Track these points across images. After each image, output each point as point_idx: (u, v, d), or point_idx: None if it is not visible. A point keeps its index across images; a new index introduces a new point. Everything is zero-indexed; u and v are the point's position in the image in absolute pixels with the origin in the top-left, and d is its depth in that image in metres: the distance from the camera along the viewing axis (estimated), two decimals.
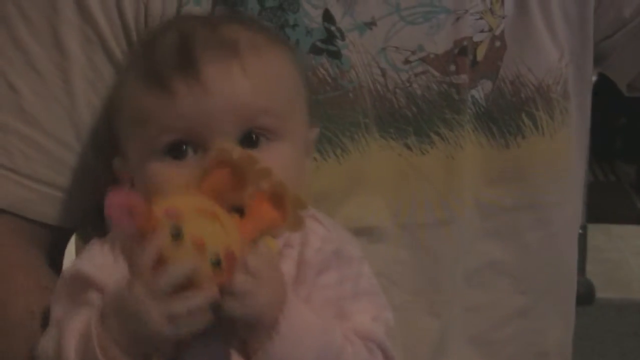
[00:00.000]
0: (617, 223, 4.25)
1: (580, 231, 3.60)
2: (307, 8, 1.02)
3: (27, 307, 0.98)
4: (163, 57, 0.89)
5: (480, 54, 1.09)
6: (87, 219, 1.06)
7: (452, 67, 1.07)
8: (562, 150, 1.14)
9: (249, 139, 0.89)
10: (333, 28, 1.02)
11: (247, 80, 0.89)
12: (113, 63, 1.00)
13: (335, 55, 1.02)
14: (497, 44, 1.09)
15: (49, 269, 1.03)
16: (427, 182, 1.07)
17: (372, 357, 0.90)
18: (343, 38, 1.03)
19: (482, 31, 1.08)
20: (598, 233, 3.98)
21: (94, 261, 0.92)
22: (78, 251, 1.13)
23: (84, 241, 1.11)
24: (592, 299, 3.50)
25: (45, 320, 0.94)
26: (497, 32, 1.09)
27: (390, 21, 1.04)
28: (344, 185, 1.03)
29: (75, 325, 0.86)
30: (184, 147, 0.88)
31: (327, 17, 1.02)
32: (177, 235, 0.77)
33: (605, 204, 4.27)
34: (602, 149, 4.81)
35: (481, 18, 1.08)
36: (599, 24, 1.15)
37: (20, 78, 1.00)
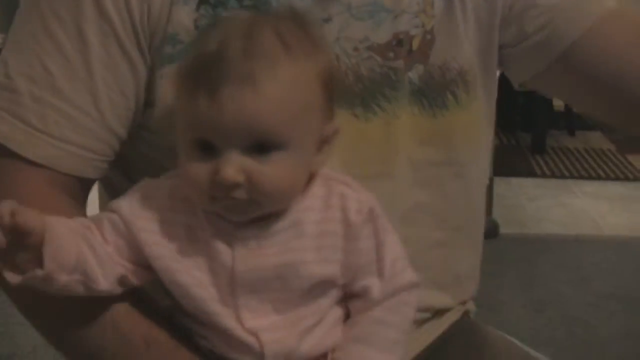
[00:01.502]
0: (516, 176, 4.25)
1: (487, 182, 3.68)
2: (276, 6, 1.00)
3: None
4: (197, 67, 0.86)
5: (415, 44, 1.08)
6: (107, 170, 1.05)
7: (391, 54, 1.06)
8: (475, 120, 1.13)
9: (256, 149, 0.85)
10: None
11: (256, 104, 0.84)
12: (123, 51, 0.99)
13: None
14: (428, 37, 1.08)
15: (77, 210, 1.01)
16: (371, 143, 1.06)
17: (409, 303, 0.94)
18: None
19: (416, 27, 1.07)
20: (502, 184, 3.96)
21: (127, 202, 0.93)
22: (100, 197, 1.14)
23: (105, 185, 1.14)
24: (497, 234, 3.55)
25: None
26: (428, 28, 1.08)
27: (343, 17, 1.03)
28: None
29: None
30: (208, 145, 0.86)
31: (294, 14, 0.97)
32: None
33: (507, 162, 4.27)
34: (506, 120, 4.80)
35: (416, 17, 1.07)
36: (504, 34, 1.14)
37: (52, 62, 0.99)
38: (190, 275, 0.90)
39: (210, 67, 0.85)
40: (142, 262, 0.92)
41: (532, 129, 4.76)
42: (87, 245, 0.88)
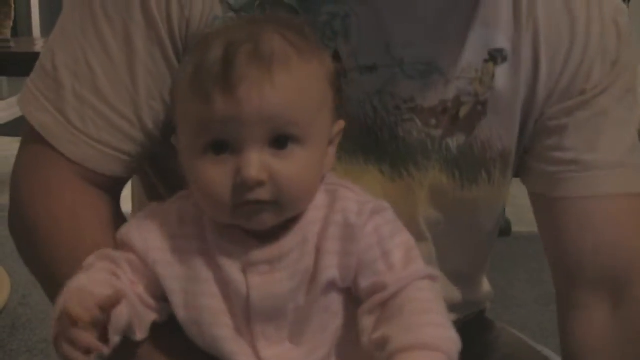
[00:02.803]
0: None
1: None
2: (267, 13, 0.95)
3: (93, 239, 0.95)
4: (208, 69, 0.81)
5: (463, 112, 1.00)
6: (142, 168, 1.06)
7: (434, 121, 0.99)
8: (501, 195, 1.08)
9: (277, 143, 0.81)
10: (339, 67, 0.94)
11: (275, 96, 0.80)
12: (166, 58, 0.96)
13: (338, 91, 0.90)
14: (479, 108, 1.00)
15: (111, 208, 1.01)
16: (390, 200, 0.90)
17: (430, 289, 0.84)
18: (345, 75, 0.96)
19: (469, 94, 0.99)
20: (516, 184, 3.90)
21: (141, 233, 0.89)
22: (133, 191, 1.12)
23: (145, 182, 1.12)
24: (509, 233, 3.55)
25: None
26: (482, 99, 1.00)
27: (391, 71, 0.96)
28: None
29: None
30: (223, 145, 0.82)
31: (336, 57, 0.95)
32: None
33: None
34: None
35: (470, 84, 0.99)
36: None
37: (97, 61, 0.97)
38: (206, 311, 0.86)
39: (221, 69, 0.81)
40: (164, 296, 0.88)
41: None
42: (129, 305, 0.84)
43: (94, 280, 0.84)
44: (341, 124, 0.89)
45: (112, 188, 1.02)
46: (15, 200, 1.02)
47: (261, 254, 0.85)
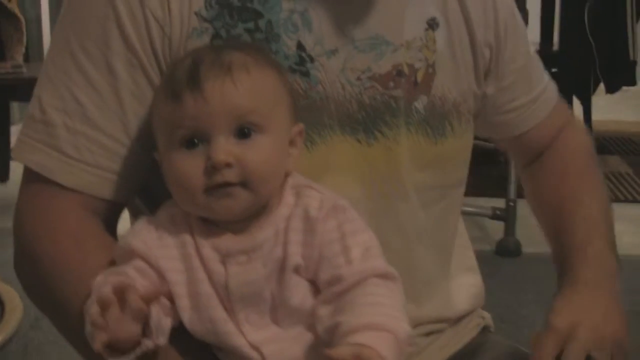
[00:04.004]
0: None
1: (511, 204, 3.62)
2: (285, 39, 1.04)
3: (99, 263, 0.99)
4: (179, 77, 0.93)
5: (419, 76, 1.12)
6: (136, 194, 1.10)
7: (391, 84, 1.09)
8: (464, 148, 1.19)
9: (242, 132, 0.93)
10: (304, 54, 1.05)
11: (237, 91, 0.92)
12: (149, 80, 1.02)
13: (305, 74, 1.05)
14: (430, 70, 1.12)
15: (109, 234, 1.05)
16: (372, 166, 1.09)
17: (386, 286, 0.92)
18: (312, 61, 1.05)
19: (420, 60, 1.12)
20: (525, 206, 3.90)
21: (141, 237, 0.96)
22: (130, 219, 1.15)
23: (133, 212, 1.15)
24: (519, 253, 3.53)
25: None
26: (430, 62, 1.12)
27: (347, 50, 1.07)
28: (313, 168, 1.05)
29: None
30: (195, 141, 0.92)
31: (300, 46, 1.05)
32: None
33: None
34: None
35: (420, 51, 1.11)
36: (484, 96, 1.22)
37: (83, 94, 1.01)
38: (203, 296, 0.94)
39: (189, 74, 0.93)
40: (171, 298, 0.95)
41: None
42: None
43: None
44: (300, 126, 1.00)
45: (110, 215, 1.06)
46: (19, 241, 1.06)
47: (238, 245, 0.94)
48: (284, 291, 0.93)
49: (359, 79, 1.08)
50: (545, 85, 1.30)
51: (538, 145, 1.32)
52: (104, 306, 0.87)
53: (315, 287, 0.94)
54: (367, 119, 1.09)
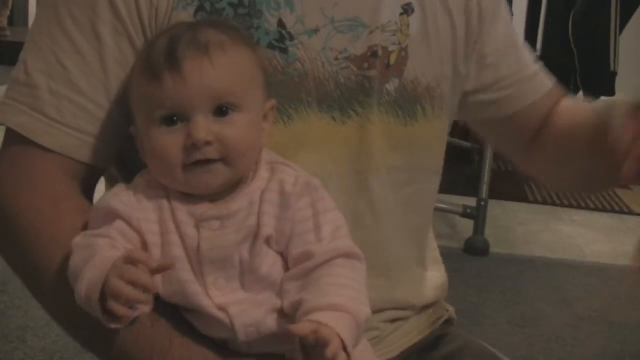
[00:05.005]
0: (509, 200, 4.28)
1: (482, 203, 3.65)
2: (267, 16, 1.06)
3: (73, 224, 1.00)
4: (156, 56, 0.95)
5: (392, 59, 1.14)
6: (113, 161, 1.10)
7: (365, 65, 1.11)
8: (436, 134, 1.20)
9: (220, 111, 0.95)
10: (284, 32, 1.07)
11: (214, 70, 0.94)
12: (134, 48, 1.03)
13: (284, 51, 1.06)
14: (403, 53, 1.14)
15: (85, 198, 1.05)
16: (346, 143, 1.11)
17: (351, 268, 0.95)
18: (292, 39, 1.07)
19: (394, 44, 1.14)
20: (496, 206, 3.98)
21: (121, 198, 0.97)
22: (106, 188, 1.13)
23: (109, 181, 1.15)
24: (487, 253, 3.55)
25: None
26: (403, 46, 1.14)
27: (327, 30, 1.09)
28: (289, 143, 1.07)
29: (92, 265, 0.90)
30: (174, 118, 0.94)
31: (281, 24, 1.07)
32: None
33: (503, 186, 4.29)
34: None
35: (394, 34, 1.13)
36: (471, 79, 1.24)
37: (68, 59, 1.02)
38: (175, 259, 0.95)
39: (168, 55, 0.94)
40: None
41: None
42: None
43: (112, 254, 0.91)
44: (272, 102, 1.03)
45: (88, 179, 1.07)
46: None
47: (212, 211, 0.96)
48: (254, 259, 0.95)
49: (336, 58, 1.10)
50: (537, 69, 1.31)
51: (535, 123, 1.30)
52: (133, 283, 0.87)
53: (284, 261, 0.97)
54: (342, 98, 1.11)
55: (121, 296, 0.86)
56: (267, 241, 0.96)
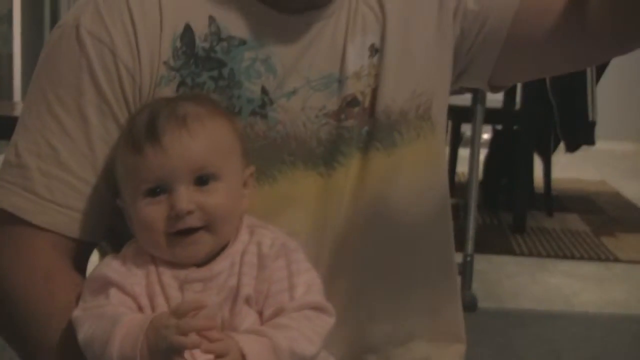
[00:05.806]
0: (496, 254, 4.26)
1: (468, 259, 3.65)
2: (247, 85, 1.10)
3: (68, 298, 1.03)
4: (138, 130, 1.00)
5: (367, 102, 1.16)
6: (104, 236, 1.14)
7: (343, 116, 1.15)
8: (414, 153, 1.19)
9: (201, 180, 0.99)
10: (266, 98, 1.11)
11: (192, 142, 0.99)
12: (119, 126, 1.07)
13: (264, 116, 1.10)
14: (375, 93, 1.16)
15: (78, 273, 1.09)
16: (335, 195, 1.14)
17: (314, 318, 0.99)
18: (272, 103, 1.11)
19: (368, 85, 1.16)
20: (482, 261, 3.95)
21: (112, 267, 1.01)
22: (99, 261, 1.14)
23: (102, 254, 1.19)
24: (475, 308, 3.52)
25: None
26: (374, 86, 1.16)
27: (304, 90, 1.13)
28: (276, 203, 1.11)
29: (122, 327, 0.93)
30: (158, 190, 0.99)
31: (264, 90, 1.11)
32: None
33: (488, 240, 4.31)
34: (488, 200, 4.87)
35: (367, 78, 1.16)
36: (460, 51, 1.23)
37: (57, 140, 1.06)
38: None
39: (148, 128, 0.99)
40: None
41: (513, 210, 4.75)
42: None
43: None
44: (251, 169, 1.07)
45: (80, 255, 1.10)
46: None
47: (195, 274, 1.00)
48: (234, 319, 0.98)
49: (317, 116, 1.13)
50: None
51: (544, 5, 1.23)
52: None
53: (262, 320, 1.00)
54: (326, 153, 1.14)
55: (193, 347, 0.91)
56: (247, 301, 0.99)
